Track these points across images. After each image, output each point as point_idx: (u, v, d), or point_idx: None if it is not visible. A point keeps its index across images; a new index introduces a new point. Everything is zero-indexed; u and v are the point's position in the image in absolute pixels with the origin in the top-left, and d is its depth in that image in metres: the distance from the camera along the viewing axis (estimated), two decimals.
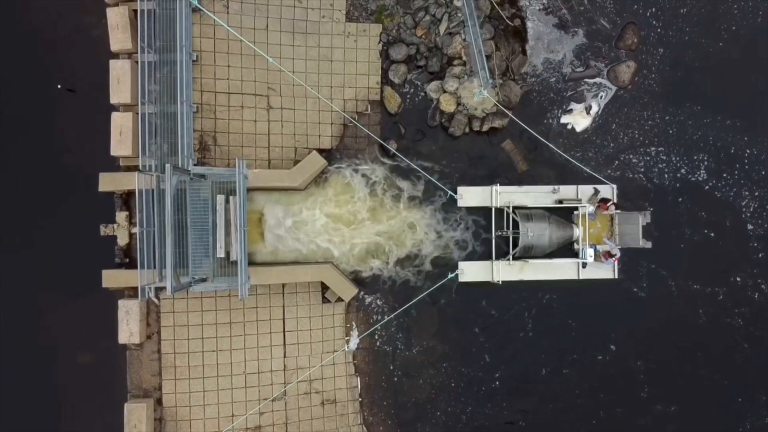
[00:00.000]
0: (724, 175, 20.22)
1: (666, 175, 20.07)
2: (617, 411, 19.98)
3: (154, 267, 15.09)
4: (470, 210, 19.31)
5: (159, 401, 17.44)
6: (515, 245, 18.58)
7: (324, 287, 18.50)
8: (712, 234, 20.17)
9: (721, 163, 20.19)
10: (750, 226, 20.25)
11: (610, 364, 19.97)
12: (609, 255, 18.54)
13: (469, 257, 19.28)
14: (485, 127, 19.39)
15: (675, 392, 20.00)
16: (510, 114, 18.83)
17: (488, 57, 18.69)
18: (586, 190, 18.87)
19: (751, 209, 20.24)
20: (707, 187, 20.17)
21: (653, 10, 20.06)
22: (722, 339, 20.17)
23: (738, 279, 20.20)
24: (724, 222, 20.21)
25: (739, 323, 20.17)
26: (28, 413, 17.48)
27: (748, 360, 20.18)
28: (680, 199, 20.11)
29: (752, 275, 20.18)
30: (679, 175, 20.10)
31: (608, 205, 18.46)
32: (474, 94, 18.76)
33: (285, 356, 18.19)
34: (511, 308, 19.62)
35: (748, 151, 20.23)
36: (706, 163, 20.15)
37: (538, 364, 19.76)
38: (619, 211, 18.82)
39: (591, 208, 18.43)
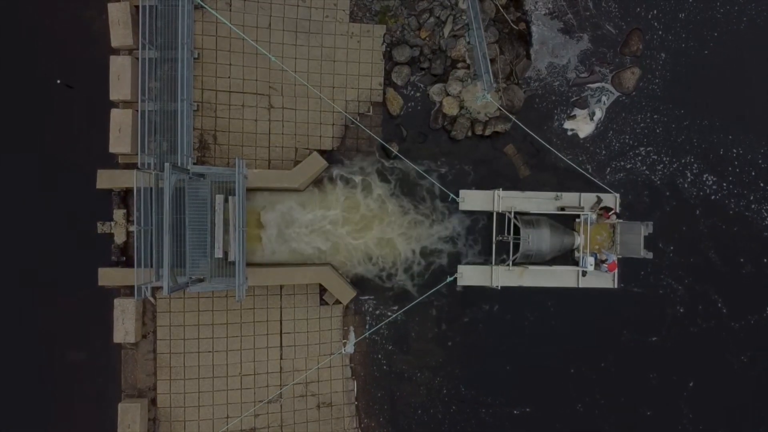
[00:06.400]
0: (723, 183, 20.19)
1: (669, 182, 20.00)
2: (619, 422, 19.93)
3: (151, 266, 14.96)
4: (470, 213, 19.18)
5: (153, 401, 17.29)
6: (515, 251, 18.44)
7: (322, 289, 18.35)
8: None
9: (715, 165, 20.20)
10: None
11: (617, 378, 19.92)
12: (602, 261, 18.43)
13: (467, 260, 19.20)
14: (488, 131, 19.25)
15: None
16: (513, 118, 18.69)
17: (492, 60, 18.52)
18: (588, 198, 18.74)
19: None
20: (712, 191, 20.14)
21: (654, 12, 19.96)
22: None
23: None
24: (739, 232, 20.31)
25: None
26: (21, 411, 17.30)
27: None
28: (679, 205, 20.08)
29: None
30: (681, 180, 20.05)
31: (610, 214, 18.32)
32: (477, 98, 18.62)
33: (281, 358, 18.05)
34: (511, 314, 19.50)
35: (735, 151, 20.32)
36: (697, 167, 20.13)
37: (536, 369, 19.65)
38: (621, 220, 18.70)
39: (593, 216, 18.29)
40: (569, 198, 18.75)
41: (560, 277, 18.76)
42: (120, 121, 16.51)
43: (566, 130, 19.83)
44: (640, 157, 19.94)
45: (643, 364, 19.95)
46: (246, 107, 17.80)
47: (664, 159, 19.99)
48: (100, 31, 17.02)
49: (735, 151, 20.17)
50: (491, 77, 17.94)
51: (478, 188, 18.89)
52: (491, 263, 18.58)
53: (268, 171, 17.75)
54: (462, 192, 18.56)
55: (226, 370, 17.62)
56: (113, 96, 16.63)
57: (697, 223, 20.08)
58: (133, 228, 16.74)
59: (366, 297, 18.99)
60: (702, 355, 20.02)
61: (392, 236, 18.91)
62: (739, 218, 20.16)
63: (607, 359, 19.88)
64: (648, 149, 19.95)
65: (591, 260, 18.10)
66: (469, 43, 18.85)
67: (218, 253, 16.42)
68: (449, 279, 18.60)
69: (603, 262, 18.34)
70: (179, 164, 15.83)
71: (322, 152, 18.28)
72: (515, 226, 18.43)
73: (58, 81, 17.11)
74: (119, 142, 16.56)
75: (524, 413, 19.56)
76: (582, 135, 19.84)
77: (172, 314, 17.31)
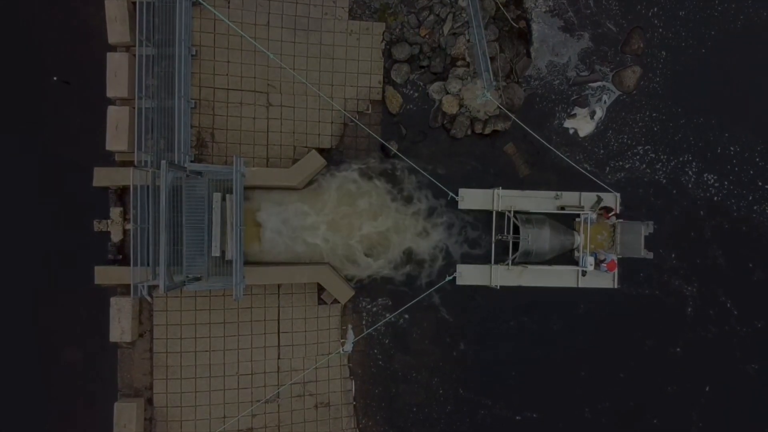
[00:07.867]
0: (724, 182, 20.11)
1: (670, 181, 19.92)
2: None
3: (148, 264, 14.85)
4: (469, 212, 19.08)
5: (150, 401, 17.18)
6: (515, 250, 18.33)
7: (320, 288, 18.24)
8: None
9: (713, 163, 20.13)
10: None
11: (625, 383, 19.84)
12: (601, 261, 18.31)
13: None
14: (487, 130, 19.15)
15: None
16: (513, 117, 18.58)
17: (492, 59, 18.40)
18: (588, 197, 18.62)
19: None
20: (715, 190, 20.05)
21: (654, 9, 19.87)
22: None
23: None
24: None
25: None
26: (16, 411, 17.18)
27: None
28: (680, 204, 20.00)
29: None
30: (683, 179, 19.97)
31: (610, 215, 18.21)
32: (477, 96, 18.51)
33: (279, 358, 17.95)
34: (511, 314, 19.39)
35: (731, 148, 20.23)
36: (696, 165, 20.03)
37: (538, 370, 19.55)
38: (621, 220, 18.59)
39: (593, 216, 18.19)
40: (569, 197, 18.62)
41: (560, 276, 18.64)
42: (117, 119, 16.41)
43: (566, 129, 19.73)
44: (638, 156, 19.84)
45: (651, 369, 19.83)
46: (244, 105, 17.68)
47: (662, 157, 19.90)
48: (97, 28, 16.87)
49: (732, 149, 20.07)
50: (491, 75, 17.83)
51: (477, 187, 18.77)
52: (490, 262, 18.48)
53: (266, 169, 17.65)
54: (461, 191, 18.42)
55: (224, 369, 17.51)
56: (110, 93, 16.53)
57: (701, 224, 19.98)
58: (129, 226, 16.60)
59: (364, 296, 18.87)
60: (713, 360, 19.89)
61: (390, 233, 18.80)
62: (743, 219, 20.05)
63: (616, 364, 19.77)
64: (646, 147, 19.86)
65: (591, 260, 17.98)
66: (469, 41, 18.74)
67: (215, 252, 16.31)
68: (448, 278, 18.49)
69: (602, 261, 18.25)
70: (176, 162, 15.73)
71: (320, 150, 18.17)
72: (515, 225, 18.33)
73: (55, 78, 17.02)
74: (116, 139, 16.45)
75: (526, 418, 19.45)
76: (582, 134, 19.73)
77: (168, 313, 17.19)
